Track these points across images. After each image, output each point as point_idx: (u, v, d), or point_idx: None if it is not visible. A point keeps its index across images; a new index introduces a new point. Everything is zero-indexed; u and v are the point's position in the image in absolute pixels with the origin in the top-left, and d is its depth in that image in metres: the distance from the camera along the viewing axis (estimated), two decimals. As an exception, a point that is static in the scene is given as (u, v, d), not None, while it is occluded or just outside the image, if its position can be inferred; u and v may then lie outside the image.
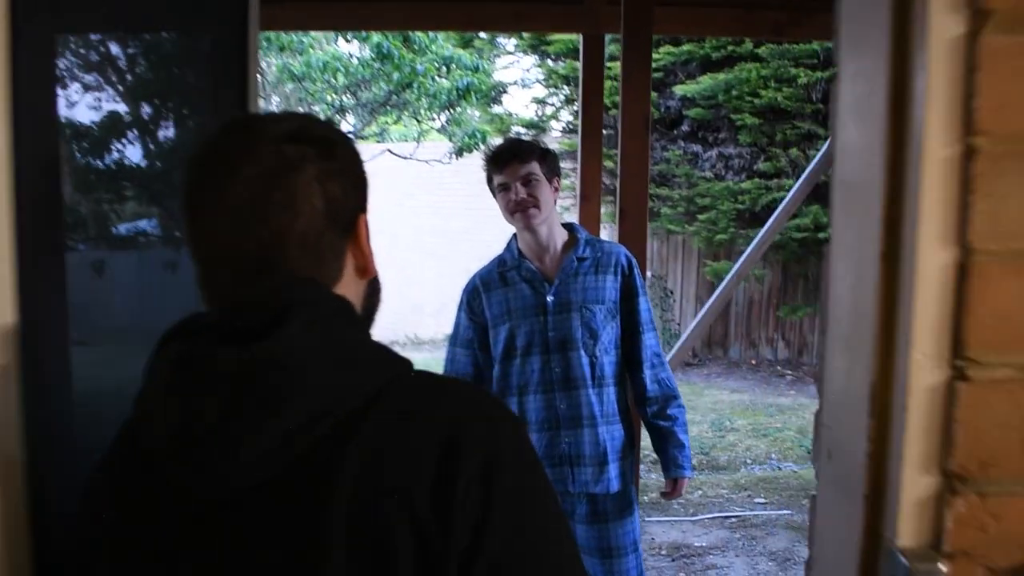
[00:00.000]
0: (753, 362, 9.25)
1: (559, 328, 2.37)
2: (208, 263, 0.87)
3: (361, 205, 0.91)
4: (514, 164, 2.35)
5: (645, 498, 4.66)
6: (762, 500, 5.08)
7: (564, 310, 2.38)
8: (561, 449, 2.37)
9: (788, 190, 7.92)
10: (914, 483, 0.84)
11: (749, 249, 5.19)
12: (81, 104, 2.60)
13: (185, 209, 0.88)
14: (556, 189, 2.43)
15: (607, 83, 5.55)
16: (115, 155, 2.70)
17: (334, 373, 0.79)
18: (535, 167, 2.36)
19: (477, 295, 2.49)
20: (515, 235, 2.49)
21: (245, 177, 0.83)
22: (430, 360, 9.96)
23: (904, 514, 0.84)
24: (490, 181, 2.42)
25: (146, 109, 2.51)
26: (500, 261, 2.52)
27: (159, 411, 0.81)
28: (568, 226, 2.51)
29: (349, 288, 0.90)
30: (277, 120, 0.89)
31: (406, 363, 0.86)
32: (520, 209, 2.36)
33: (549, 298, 2.39)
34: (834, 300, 0.98)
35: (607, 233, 8.39)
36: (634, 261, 2.48)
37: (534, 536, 0.79)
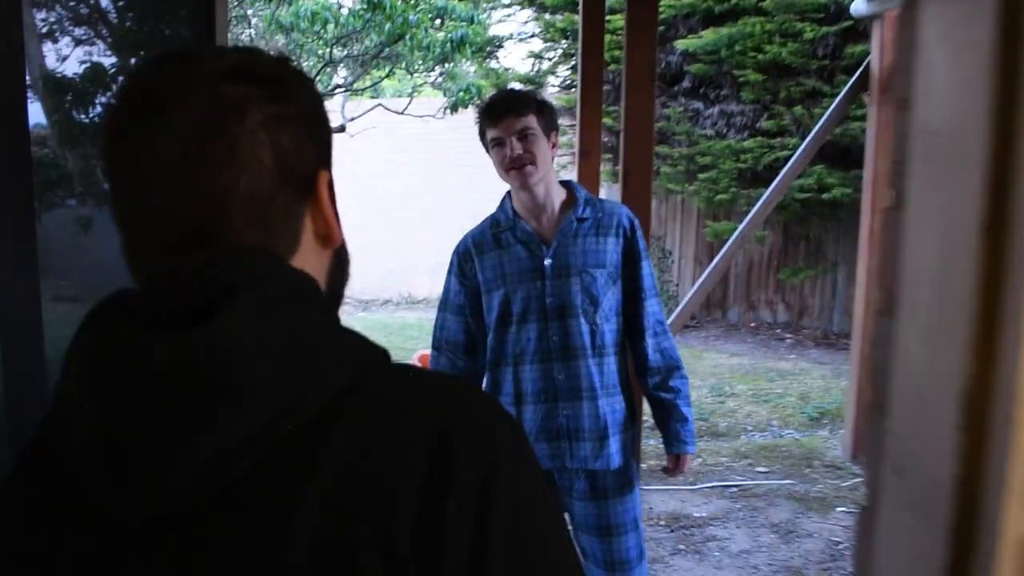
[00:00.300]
0: (752, 325, 9.10)
1: (557, 293, 2.21)
2: (133, 231, 0.70)
3: (322, 160, 0.74)
4: (509, 118, 2.17)
5: (644, 465, 4.52)
6: (763, 469, 4.94)
7: (562, 274, 2.21)
8: (559, 422, 2.23)
9: (792, 149, 7.71)
10: (1020, 519, 0.66)
11: (754, 210, 4.99)
12: (64, 57, 2.40)
13: (106, 164, 0.70)
14: (554, 145, 2.24)
15: (607, 38, 5.29)
16: (99, 109, 2.50)
17: (293, 367, 0.62)
18: (532, 121, 2.18)
19: (469, 258, 2.32)
20: (509, 193, 2.32)
21: (175, 125, 0.67)
22: (424, 320, 9.79)
23: (1004, 557, 0.67)
24: (483, 135, 2.24)
25: (132, 61, 2.31)
26: (493, 221, 2.33)
27: (72, 416, 0.63)
28: (566, 184, 2.33)
29: (309, 260, 0.73)
30: (219, 55, 0.70)
31: (381, 353, 0.70)
32: (515, 166, 2.18)
33: (547, 261, 2.22)
34: (910, 277, 0.80)
35: (606, 192, 8.18)
36: (636, 222, 2.30)
37: (537, 565, 0.65)
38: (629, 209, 2.34)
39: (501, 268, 2.26)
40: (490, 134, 2.21)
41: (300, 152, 0.71)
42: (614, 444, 2.26)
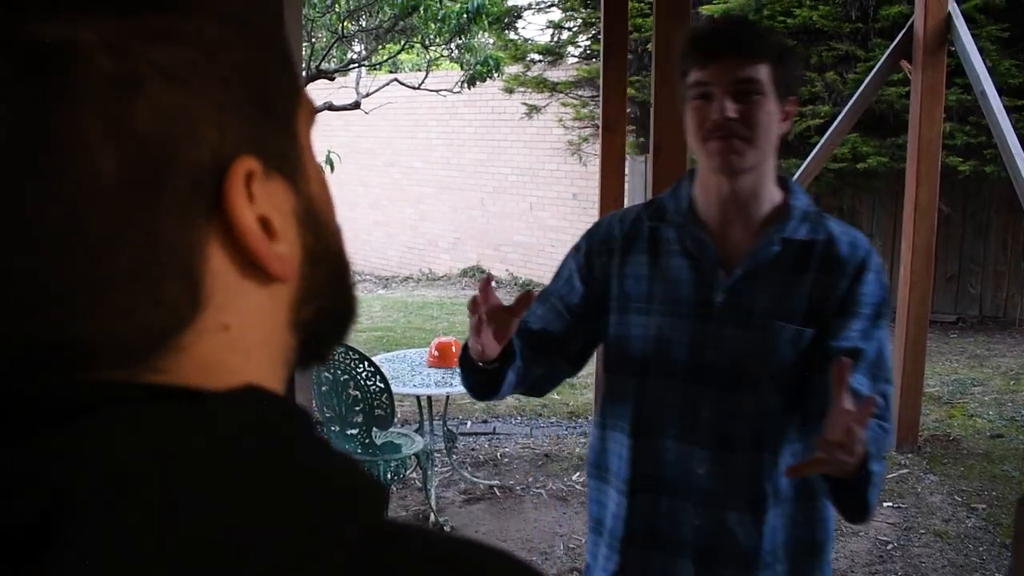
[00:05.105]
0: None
1: (727, 349, 1.46)
2: None
3: (250, 140, 0.41)
4: (728, 60, 1.40)
5: None
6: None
7: (739, 321, 1.45)
8: (682, 533, 1.49)
9: (824, 117, 7.40)
10: None
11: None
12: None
13: None
14: (787, 116, 1.46)
15: (630, 4, 5.01)
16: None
17: None
18: (762, 72, 1.40)
19: (607, 251, 1.57)
20: (691, 174, 1.56)
21: None
22: (445, 299, 9.62)
23: None
24: (683, 76, 1.45)
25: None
26: (656, 208, 1.57)
27: None
28: (782, 182, 1.52)
29: (244, 319, 0.42)
30: None
31: (370, 508, 0.41)
32: (719, 135, 1.40)
33: (718, 296, 1.47)
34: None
35: (630, 166, 7.92)
36: (874, 260, 1.47)
37: None
38: (865, 239, 1.51)
39: (648, 284, 1.52)
40: (693, 77, 1.42)
41: (194, 134, 0.38)
42: None
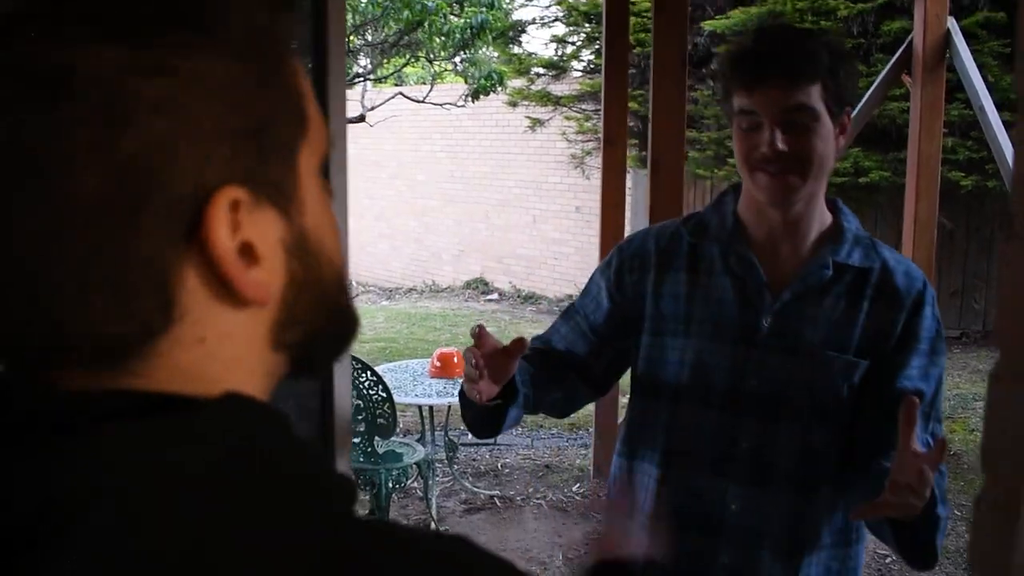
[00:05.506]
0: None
1: (770, 377, 1.35)
2: None
3: (240, 171, 0.43)
4: (777, 86, 1.27)
5: None
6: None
7: (786, 348, 1.35)
8: (709, 573, 1.38)
9: (826, 132, 7.43)
10: None
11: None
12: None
13: None
14: (843, 130, 1.32)
15: (631, 20, 5.06)
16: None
17: None
18: (813, 96, 1.26)
19: (641, 267, 1.46)
20: (736, 188, 1.44)
21: None
22: (447, 310, 9.65)
23: None
24: (727, 95, 1.33)
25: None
26: (698, 224, 1.45)
27: None
28: (832, 205, 1.41)
29: (218, 336, 0.45)
30: None
31: (343, 501, 0.46)
32: (770, 171, 1.29)
33: (764, 320, 1.36)
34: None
35: (632, 179, 7.97)
36: (929, 293, 1.37)
37: None
38: (918, 269, 1.41)
39: (686, 305, 1.40)
40: (738, 102, 1.30)
41: (181, 160, 0.41)
42: None
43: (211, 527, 0.39)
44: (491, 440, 5.26)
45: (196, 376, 0.45)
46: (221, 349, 0.45)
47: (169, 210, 0.41)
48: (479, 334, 1.25)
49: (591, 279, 1.54)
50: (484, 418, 1.40)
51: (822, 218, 1.38)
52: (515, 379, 1.33)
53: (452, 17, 8.00)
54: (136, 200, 0.41)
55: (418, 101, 8.81)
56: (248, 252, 0.44)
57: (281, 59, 0.46)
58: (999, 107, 4.47)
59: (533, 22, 10.81)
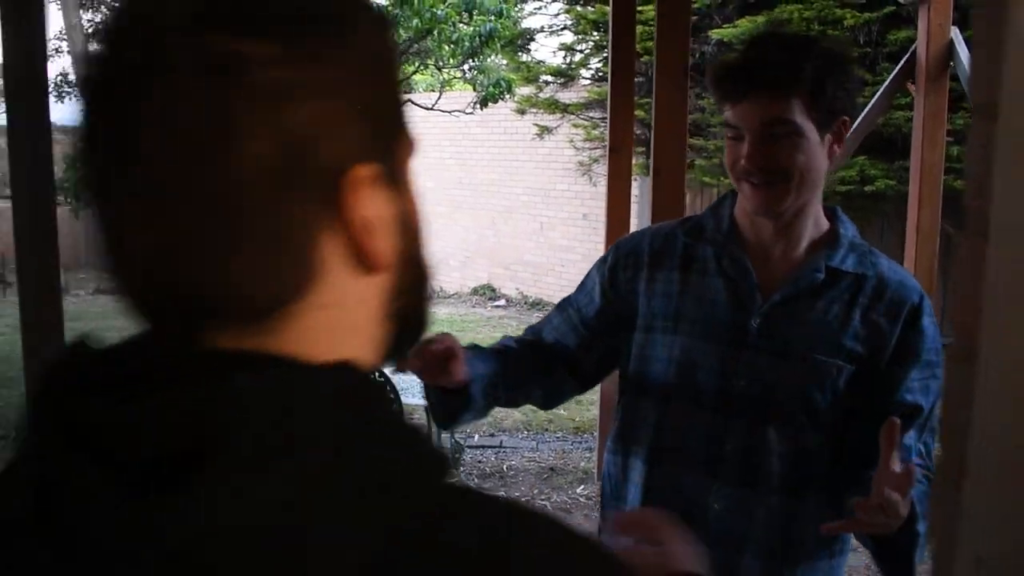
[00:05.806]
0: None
1: (758, 379, 1.36)
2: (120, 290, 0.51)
3: (369, 153, 0.51)
4: (757, 99, 1.29)
5: None
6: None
7: (775, 350, 1.36)
8: None
9: (831, 140, 7.46)
10: None
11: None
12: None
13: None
14: (836, 141, 1.33)
15: (639, 28, 5.13)
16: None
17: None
18: (794, 110, 1.27)
19: (634, 264, 1.48)
20: (734, 194, 1.44)
21: (148, 107, 0.46)
22: (454, 315, 9.70)
23: None
24: (720, 109, 1.39)
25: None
26: (694, 225, 1.48)
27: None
28: (830, 213, 1.44)
29: (346, 301, 0.51)
30: None
31: (435, 472, 0.51)
32: (752, 181, 1.32)
33: (754, 321, 1.37)
34: (992, 319, 0.65)
35: (639, 187, 8.01)
36: (927, 305, 1.36)
37: None
38: (914, 279, 1.41)
39: (676, 303, 1.42)
40: (726, 114, 1.34)
41: (322, 139, 0.48)
42: None
43: (324, 474, 0.44)
44: (497, 443, 5.31)
45: (321, 339, 0.51)
46: (346, 315, 0.52)
47: (318, 181, 0.48)
48: (442, 341, 1.30)
49: (588, 274, 1.57)
50: (440, 405, 1.44)
51: (817, 225, 1.40)
52: (471, 387, 1.36)
53: (461, 25, 8.07)
54: (292, 170, 0.47)
55: (427, 108, 8.89)
56: (374, 224, 0.51)
57: (394, 66, 0.55)
58: (1002, 116, 4.50)
59: (542, 30, 10.88)
